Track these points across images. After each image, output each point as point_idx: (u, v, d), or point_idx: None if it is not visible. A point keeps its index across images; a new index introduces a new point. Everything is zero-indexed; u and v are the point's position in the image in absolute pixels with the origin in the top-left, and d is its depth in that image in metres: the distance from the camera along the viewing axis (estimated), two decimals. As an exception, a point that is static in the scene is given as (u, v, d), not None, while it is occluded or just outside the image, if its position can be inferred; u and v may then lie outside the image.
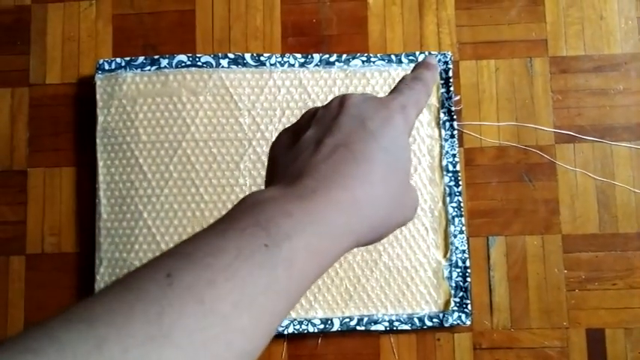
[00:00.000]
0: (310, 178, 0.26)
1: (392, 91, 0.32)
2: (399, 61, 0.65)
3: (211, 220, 0.62)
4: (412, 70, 0.34)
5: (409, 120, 0.30)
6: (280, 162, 0.30)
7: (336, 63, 0.65)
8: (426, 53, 0.65)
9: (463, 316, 0.61)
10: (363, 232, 0.27)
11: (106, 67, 0.65)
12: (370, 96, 0.31)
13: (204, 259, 0.20)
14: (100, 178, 0.64)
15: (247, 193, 0.63)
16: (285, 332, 0.61)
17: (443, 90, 0.65)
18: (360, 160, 0.27)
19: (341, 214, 0.25)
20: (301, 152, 0.29)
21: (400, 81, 0.32)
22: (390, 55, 0.65)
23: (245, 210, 0.24)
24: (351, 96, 0.30)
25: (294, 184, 0.26)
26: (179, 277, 0.20)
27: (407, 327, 0.61)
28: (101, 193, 0.63)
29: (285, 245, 0.23)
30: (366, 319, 0.62)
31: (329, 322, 0.62)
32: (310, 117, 0.31)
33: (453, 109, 0.64)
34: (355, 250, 0.63)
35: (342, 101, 0.30)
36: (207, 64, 0.65)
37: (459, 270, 0.62)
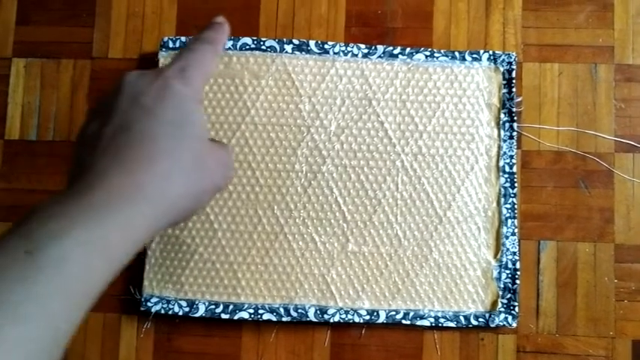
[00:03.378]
0: (90, 174, 0.25)
1: (173, 58, 0.30)
2: (463, 59, 0.65)
3: (265, 205, 0.62)
4: (198, 33, 0.33)
5: (192, 82, 0.28)
6: (71, 167, 0.28)
7: (400, 56, 0.65)
8: (490, 52, 0.65)
9: (510, 318, 0.61)
10: (159, 212, 0.26)
11: (170, 45, 0.65)
12: (148, 70, 0.29)
13: None
14: (158, 154, 0.64)
15: (303, 180, 0.63)
16: (331, 320, 0.62)
17: (505, 90, 0.64)
18: (138, 140, 0.26)
19: (123, 201, 0.24)
20: (84, 150, 0.27)
21: (182, 47, 0.30)
22: (453, 52, 0.65)
23: (19, 221, 0.23)
24: (126, 75, 0.29)
25: (75, 185, 0.25)
26: None
27: (452, 324, 0.62)
28: (158, 170, 0.64)
29: (51, 246, 0.22)
30: (412, 314, 0.62)
31: (375, 313, 0.62)
32: (93, 109, 0.30)
33: (514, 110, 0.64)
34: (406, 244, 0.63)
35: (117, 83, 0.29)
36: (271, 49, 0.65)
37: (508, 272, 0.62)
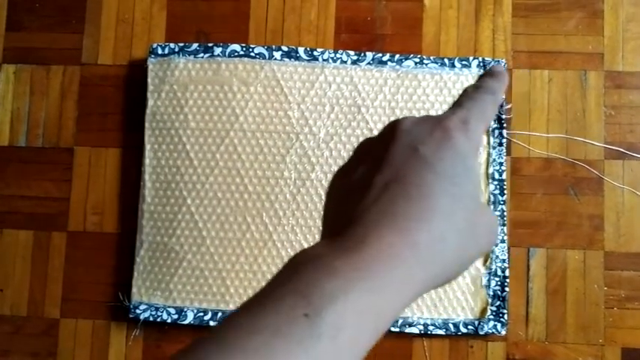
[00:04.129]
0: (359, 226, 0.23)
1: (452, 106, 0.28)
2: (452, 65, 0.65)
3: (254, 212, 0.62)
4: (477, 80, 0.29)
5: (473, 136, 0.26)
6: (330, 211, 0.27)
7: (389, 63, 0.65)
8: (480, 59, 0.65)
9: (499, 326, 0.61)
10: (429, 277, 0.24)
11: (159, 51, 0.65)
12: (425, 117, 0.27)
13: (238, 341, 0.19)
14: (147, 161, 0.64)
15: (292, 187, 0.63)
16: (320, 328, 0.61)
17: (494, 97, 0.64)
18: (414, 195, 0.24)
19: (397, 263, 0.22)
20: (350, 197, 0.25)
21: (462, 93, 0.28)
22: (443, 59, 0.65)
23: (289, 273, 0.22)
24: (403, 121, 0.27)
25: (342, 236, 0.23)
26: None
27: (441, 332, 0.61)
28: (146, 177, 0.64)
29: (328, 311, 0.20)
30: (401, 321, 0.62)
31: (364, 321, 0.62)
32: (360, 151, 0.27)
33: (503, 117, 0.64)
34: (395, 251, 0.63)
35: (392, 128, 0.27)
36: (260, 55, 0.65)
37: (497, 279, 0.62)
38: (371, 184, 0.25)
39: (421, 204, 0.24)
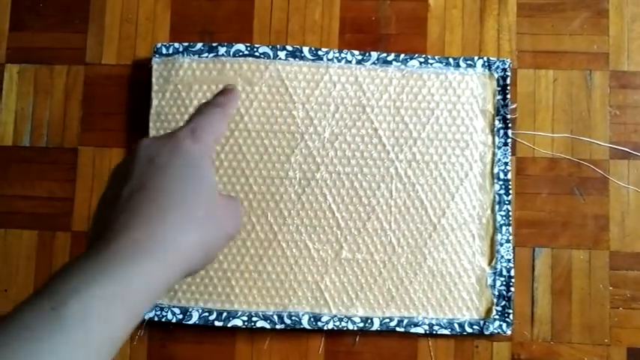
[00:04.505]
0: (109, 231, 0.27)
1: (185, 122, 0.34)
2: (457, 65, 0.65)
3: (259, 212, 0.62)
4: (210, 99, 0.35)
5: (203, 142, 0.31)
6: (91, 229, 0.31)
7: (394, 62, 0.65)
8: (485, 59, 0.65)
9: (504, 326, 0.61)
10: (176, 261, 0.28)
11: (164, 51, 0.65)
12: (162, 135, 0.32)
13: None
14: (151, 161, 0.64)
15: (296, 186, 0.63)
16: (325, 327, 0.61)
17: (499, 97, 0.64)
18: (153, 196, 0.28)
19: (141, 254, 0.26)
20: (104, 212, 0.29)
21: (194, 111, 0.33)
22: (448, 58, 0.65)
23: (45, 282, 0.25)
24: (142, 141, 0.31)
25: (95, 243, 0.27)
26: None
27: (446, 332, 0.61)
28: (151, 177, 0.64)
29: (72, 300, 0.23)
30: (406, 321, 0.61)
31: (369, 321, 0.62)
32: (112, 175, 0.32)
33: (508, 117, 0.64)
34: (400, 251, 0.63)
35: (133, 150, 0.31)
36: (265, 55, 0.65)
37: (502, 279, 0.62)
38: (119, 196, 0.28)
39: (159, 202, 0.28)
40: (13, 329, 0.22)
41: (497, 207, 0.63)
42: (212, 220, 0.30)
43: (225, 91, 0.36)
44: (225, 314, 0.62)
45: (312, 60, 0.65)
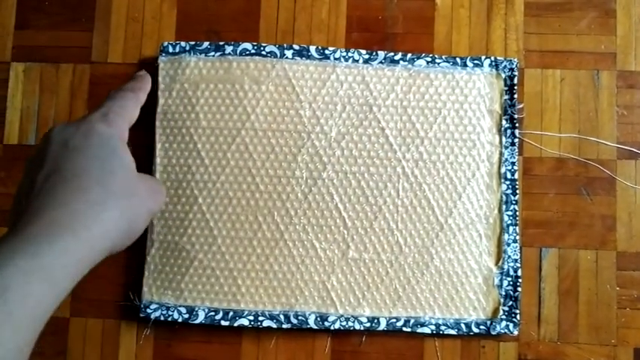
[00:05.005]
0: (27, 214, 0.27)
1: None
2: (464, 65, 0.64)
3: (265, 211, 0.62)
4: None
5: (114, 124, 0.32)
6: (9, 220, 0.31)
7: (401, 62, 0.65)
8: (492, 58, 0.64)
9: (511, 326, 0.61)
10: (97, 236, 0.28)
11: (170, 49, 0.65)
12: (72, 121, 0.32)
13: None
14: (157, 160, 0.64)
15: (303, 186, 0.63)
16: (332, 327, 0.61)
17: (507, 97, 0.64)
18: (69, 177, 0.29)
19: (60, 231, 0.26)
20: (20, 202, 0.30)
21: (107, 96, 0.34)
22: (455, 58, 0.65)
23: None
24: (53, 128, 0.32)
25: (13, 227, 0.27)
26: None
27: (453, 332, 0.61)
28: (157, 176, 0.64)
29: None
30: (412, 321, 0.61)
31: (375, 320, 0.61)
32: (27, 165, 0.32)
33: (515, 116, 0.64)
34: (407, 251, 0.62)
35: (45, 136, 0.32)
36: (272, 54, 0.64)
37: (509, 279, 0.62)
38: (35, 181, 0.29)
39: (76, 182, 0.28)
40: None
41: (504, 207, 0.63)
42: (131, 195, 0.31)
43: (138, 77, 0.38)
44: (231, 314, 0.61)
45: (319, 59, 0.65)
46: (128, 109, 0.35)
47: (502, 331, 0.61)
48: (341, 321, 0.61)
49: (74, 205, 0.27)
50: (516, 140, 0.64)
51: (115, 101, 0.34)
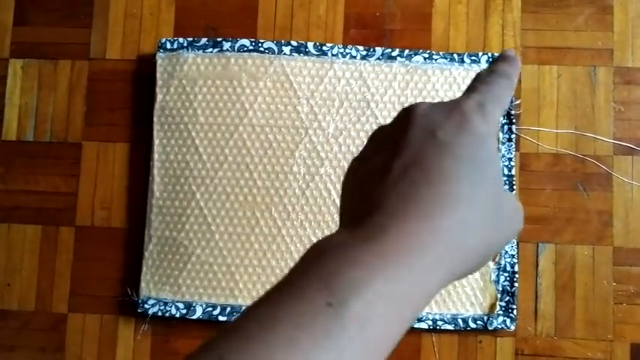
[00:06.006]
0: (378, 213, 0.22)
1: (466, 91, 0.27)
2: (462, 61, 0.65)
3: (263, 207, 0.62)
4: (490, 65, 0.28)
5: (490, 119, 0.25)
6: (347, 199, 0.26)
7: (398, 58, 0.65)
8: (489, 54, 0.65)
9: (508, 321, 0.61)
10: (454, 264, 0.23)
11: (168, 46, 0.65)
12: (441, 102, 0.26)
13: (259, 334, 0.18)
14: (155, 156, 0.64)
15: (301, 182, 0.63)
16: (329, 323, 0.61)
17: (504, 93, 0.64)
18: (434, 179, 0.23)
19: (420, 250, 0.21)
20: (367, 183, 0.24)
21: (475, 78, 0.26)
22: (452, 54, 0.65)
23: (309, 262, 0.21)
24: (418, 105, 0.26)
25: (361, 224, 0.22)
26: None
27: (450, 327, 0.61)
28: (155, 172, 0.64)
29: (352, 299, 0.19)
30: (410, 316, 0.61)
31: (373, 316, 0.61)
32: (376, 139, 0.26)
33: (512, 112, 0.64)
34: (404, 246, 0.62)
35: (407, 113, 0.26)
36: (269, 50, 0.65)
37: (506, 274, 0.62)
38: (389, 168, 0.23)
39: (442, 189, 0.23)
40: (287, 325, 0.18)
41: (501, 202, 0.63)
42: (496, 218, 0.24)
43: (509, 59, 0.28)
44: (228, 309, 0.62)
45: (317, 55, 0.65)
46: (504, 100, 0.26)
47: (499, 326, 0.61)
48: (338, 316, 0.61)
49: (439, 221, 0.22)
50: (513, 136, 0.64)
51: (490, 88, 0.26)
